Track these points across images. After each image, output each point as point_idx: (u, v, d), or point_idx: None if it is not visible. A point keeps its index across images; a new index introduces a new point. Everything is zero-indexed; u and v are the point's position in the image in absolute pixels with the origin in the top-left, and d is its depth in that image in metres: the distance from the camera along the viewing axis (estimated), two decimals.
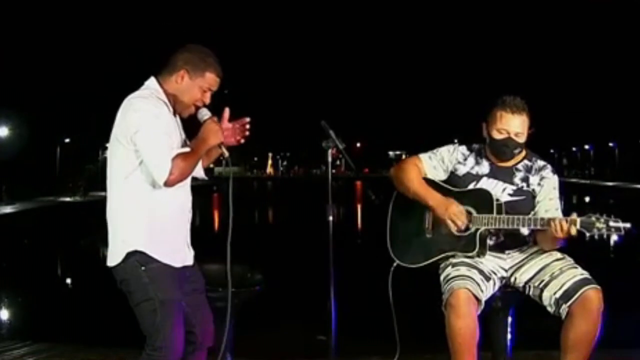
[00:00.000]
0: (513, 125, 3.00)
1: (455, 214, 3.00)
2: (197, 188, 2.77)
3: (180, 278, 2.58)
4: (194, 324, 2.64)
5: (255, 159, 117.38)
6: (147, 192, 2.49)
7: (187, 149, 2.54)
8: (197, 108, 2.62)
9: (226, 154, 2.65)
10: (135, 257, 2.47)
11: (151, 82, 2.60)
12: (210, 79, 2.59)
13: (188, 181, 2.64)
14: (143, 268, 2.47)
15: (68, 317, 7.90)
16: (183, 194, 2.61)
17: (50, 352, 4.42)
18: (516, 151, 3.06)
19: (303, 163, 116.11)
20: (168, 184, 2.44)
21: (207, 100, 2.62)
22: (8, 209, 22.68)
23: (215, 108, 2.65)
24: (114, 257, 2.51)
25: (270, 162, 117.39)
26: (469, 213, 3.02)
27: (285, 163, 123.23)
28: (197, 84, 2.57)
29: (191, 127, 2.68)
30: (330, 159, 3.00)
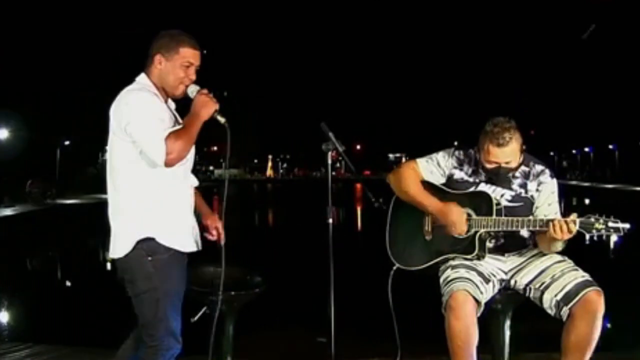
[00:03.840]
0: (502, 156, 2.96)
1: (455, 222, 3.00)
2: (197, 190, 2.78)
3: (183, 269, 2.60)
4: None
5: (255, 161, 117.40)
6: (150, 180, 2.52)
7: (179, 127, 2.55)
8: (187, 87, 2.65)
9: (222, 120, 2.64)
10: (143, 246, 2.50)
11: (140, 77, 2.65)
12: (186, 53, 2.62)
13: (189, 167, 2.67)
14: (149, 258, 2.49)
15: (69, 319, 7.90)
16: (185, 179, 2.65)
17: (51, 354, 4.41)
18: (510, 174, 3.05)
19: (303, 165, 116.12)
20: (168, 163, 2.45)
21: (193, 76, 2.65)
22: (8, 212, 22.66)
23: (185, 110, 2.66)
24: (121, 248, 2.53)
25: (270, 164, 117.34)
26: (468, 215, 3.02)
27: (285, 165, 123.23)
28: (176, 63, 2.61)
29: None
30: (330, 161, 3.01)
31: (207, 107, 2.58)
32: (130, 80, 2.68)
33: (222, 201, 2.70)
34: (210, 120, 2.60)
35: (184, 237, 2.61)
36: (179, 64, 2.61)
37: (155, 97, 2.57)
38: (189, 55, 2.63)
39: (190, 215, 2.68)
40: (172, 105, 2.71)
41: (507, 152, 2.96)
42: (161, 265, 2.50)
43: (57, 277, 13.26)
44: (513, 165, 3.01)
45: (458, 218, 2.99)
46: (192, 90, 2.64)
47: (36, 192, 27.85)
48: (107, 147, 2.60)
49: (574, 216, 2.77)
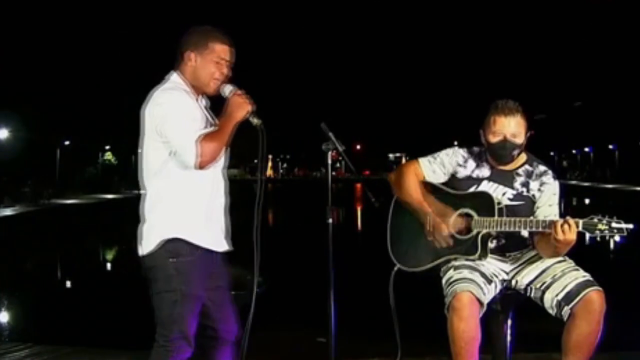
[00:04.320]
0: (508, 126, 2.98)
1: (443, 237, 3.02)
2: None
3: (206, 272, 2.60)
4: (215, 320, 2.67)
5: (255, 161, 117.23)
6: (182, 180, 2.52)
7: (212, 129, 2.54)
8: (223, 84, 2.63)
9: (257, 122, 2.62)
10: (168, 247, 2.50)
11: (172, 75, 2.64)
12: (217, 48, 2.61)
13: (221, 165, 2.65)
14: (172, 260, 2.50)
15: (70, 319, 7.90)
16: (217, 178, 2.64)
17: (51, 354, 4.41)
18: (515, 152, 3.04)
19: (303, 165, 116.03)
20: (199, 166, 2.45)
21: (225, 71, 2.63)
22: (8, 211, 22.67)
23: (218, 107, 2.65)
24: (147, 245, 2.53)
25: (270, 164, 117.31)
26: (469, 216, 3.02)
27: (285, 165, 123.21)
28: (208, 59, 2.60)
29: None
30: (330, 161, 3.01)
31: (242, 108, 2.56)
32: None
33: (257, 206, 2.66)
34: (244, 121, 2.58)
35: (214, 237, 2.62)
36: (211, 59, 2.60)
37: (188, 96, 2.56)
38: (220, 50, 2.62)
39: (221, 216, 2.67)
40: (206, 102, 2.70)
41: (513, 123, 2.98)
42: (183, 267, 2.50)
43: (57, 277, 13.25)
44: (518, 142, 3.01)
45: (446, 234, 3.02)
46: (227, 90, 2.62)
47: (30, 192, 27.78)
48: (140, 147, 2.59)
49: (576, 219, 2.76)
